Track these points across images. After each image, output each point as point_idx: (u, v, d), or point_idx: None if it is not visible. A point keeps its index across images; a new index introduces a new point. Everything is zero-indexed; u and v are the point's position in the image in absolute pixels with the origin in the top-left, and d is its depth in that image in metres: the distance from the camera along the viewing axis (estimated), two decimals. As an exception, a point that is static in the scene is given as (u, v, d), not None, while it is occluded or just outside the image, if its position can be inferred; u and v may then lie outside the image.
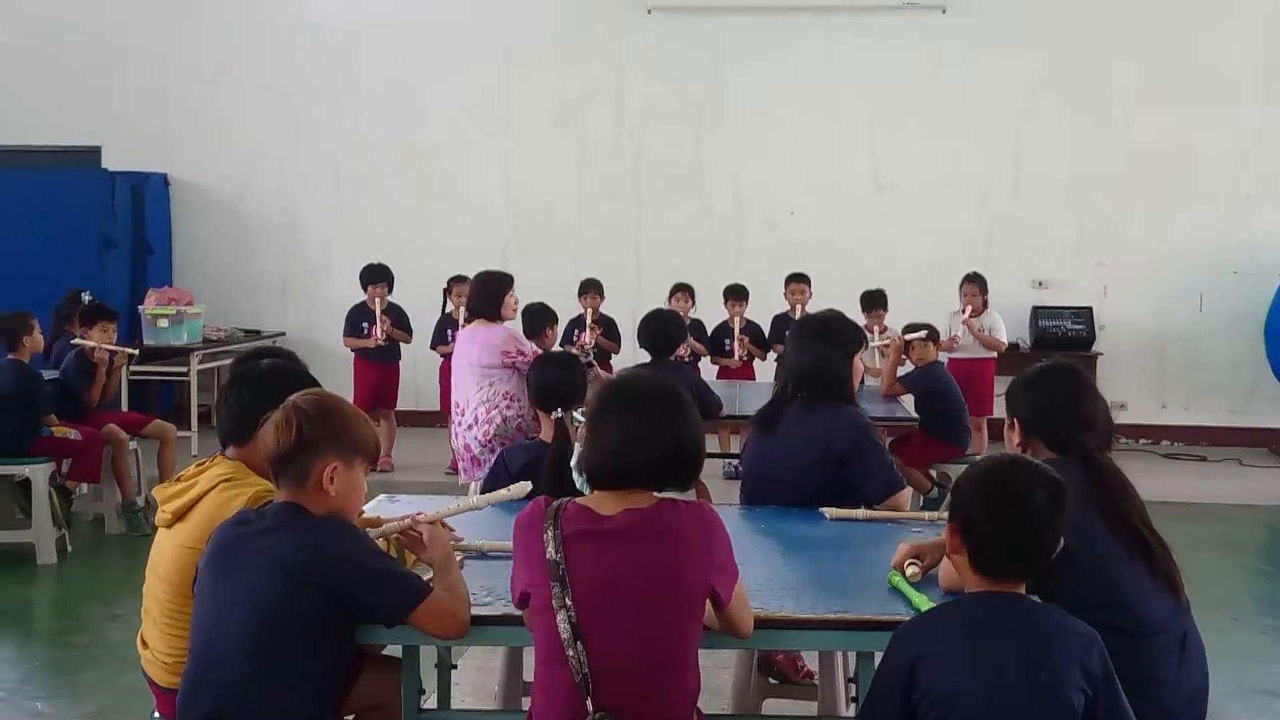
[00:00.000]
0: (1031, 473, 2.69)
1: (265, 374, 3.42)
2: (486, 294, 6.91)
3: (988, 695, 2.50)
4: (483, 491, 4.53)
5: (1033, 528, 2.61)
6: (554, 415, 4.40)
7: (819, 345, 4.36)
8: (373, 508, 3.88)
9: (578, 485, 3.74)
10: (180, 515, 3.25)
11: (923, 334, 7.86)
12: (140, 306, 10.45)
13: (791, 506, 4.13)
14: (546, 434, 4.52)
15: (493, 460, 4.81)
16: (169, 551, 3.24)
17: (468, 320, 9.10)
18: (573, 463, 3.88)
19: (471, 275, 9.40)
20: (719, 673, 4.55)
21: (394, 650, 3.27)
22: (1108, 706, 2.54)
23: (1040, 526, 2.61)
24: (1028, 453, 3.24)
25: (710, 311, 9.80)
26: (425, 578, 3.02)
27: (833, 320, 4.50)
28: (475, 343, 6.72)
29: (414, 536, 3.17)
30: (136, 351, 8.58)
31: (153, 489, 3.46)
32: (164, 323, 10.34)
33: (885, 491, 4.22)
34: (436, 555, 3.08)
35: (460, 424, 6.62)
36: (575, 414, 4.25)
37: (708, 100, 11.39)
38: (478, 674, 4.94)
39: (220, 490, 3.23)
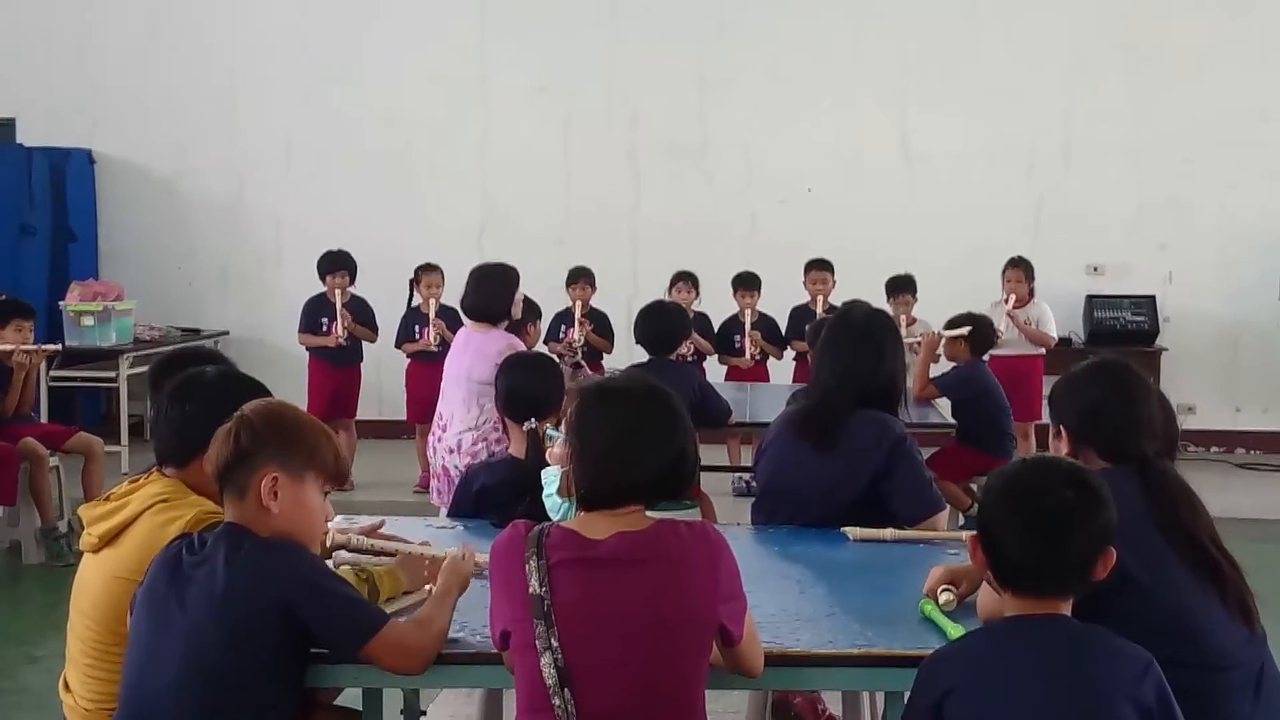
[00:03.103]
0: (1058, 468, 2.72)
1: (212, 383, 3.41)
2: (488, 291, 6.67)
3: None
4: (450, 515, 4.54)
5: (1058, 529, 2.61)
6: (525, 427, 4.40)
7: (872, 348, 4.40)
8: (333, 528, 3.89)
9: (549, 510, 3.75)
10: (109, 539, 3.25)
11: (965, 330, 7.80)
12: (61, 302, 10.44)
13: (810, 526, 4.14)
14: (516, 448, 4.52)
15: None
16: (96, 581, 3.23)
17: (435, 317, 9.20)
18: (545, 483, 3.90)
19: (441, 264, 9.53)
20: (727, 718, 4.55)
21: (352, 698, 3.27)
22: None
23: (1067, 528, 2.61)
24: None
25: (717, 304, 9.80)
26: (398, 607, 3.05)
27: (876, 317, 4.57)
28: (469, 350, 6.54)
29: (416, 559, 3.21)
30: (60, 347, 8.57)
31: (77, 509, 3.46)
32: (89, 320, 10.33)
33: (922, 512, 4.23)
34: (451, 583, 3.10)
35: (440, 440, 6.54)
36: (549, 429, 4.25)
37: (713, 63, 11.39)
38: (450, 722, 4.94)
39: (156, 511, 3.23)
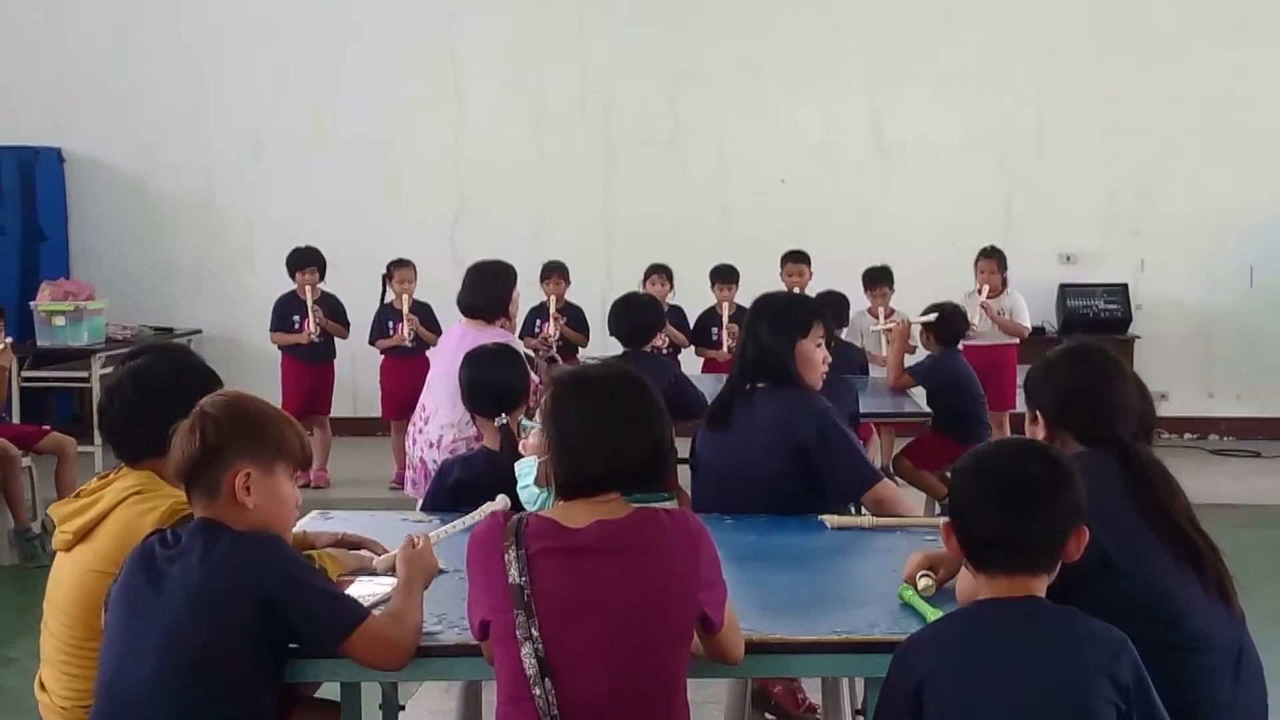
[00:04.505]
0: (1026, 447, 2.78)
1: (149, 373, 3.38)
2: (487, 289, 6.68)
3: (1003, 716, 2.52)
4: (424, 509, 4.53)
5: (1027, 503, 2.63)
6: (497, 422, 4.39)
7: (761, 328, 4.45)
8: (304, 525, 3.87)
9: (525, 502, 3.75)
10: (83, 535, 3.22)
11: (933, 317, 7.83)
12: (32, 302, 10.36)
13: (757, 513, 4.14)
14: (490, 441, 4.51)
15: None
16: (71, 577, 3.21)
17: (409, 312, 9.18)
18: (520, 475, 3.89)
19: (414, 259, 9.51)
20: (708, 708, 4.55)
21: (331, 692, 3.26)
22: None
23: (1036, 502, 2.63)
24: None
25: (692, 297, 9.80)
26: (370, 602, 3.04)
27: (779, 299, 4.69)
28: (464, 346, 6.45)
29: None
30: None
31: (49, 508, 3.44)
32: (60, 320, 10.25)
33: (860, 486, 4.28)
34: (414, 574, 3.07)
35: (421, 432, 6.51)
36: (524, 420, 4.25)
37: (685, 54, 11.38)
38: (430, 717, 4.93)
39: (130, 504, 3.21)
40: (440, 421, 6.38)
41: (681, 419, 5.67)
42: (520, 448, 4.14)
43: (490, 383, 4.51)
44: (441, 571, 3.21)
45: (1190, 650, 2.96)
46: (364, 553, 3.54)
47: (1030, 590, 2.65)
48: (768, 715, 4.91)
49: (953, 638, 2.67)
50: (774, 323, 4.45)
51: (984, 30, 11.15)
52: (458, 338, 6.60)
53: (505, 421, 4.32)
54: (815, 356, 4.43)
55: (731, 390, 4.48)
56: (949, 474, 2.87)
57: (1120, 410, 3.24)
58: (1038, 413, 3.32)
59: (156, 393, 3.19)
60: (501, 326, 6.70)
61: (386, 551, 3.43)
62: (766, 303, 4.60)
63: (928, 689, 2.58)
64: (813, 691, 4.58)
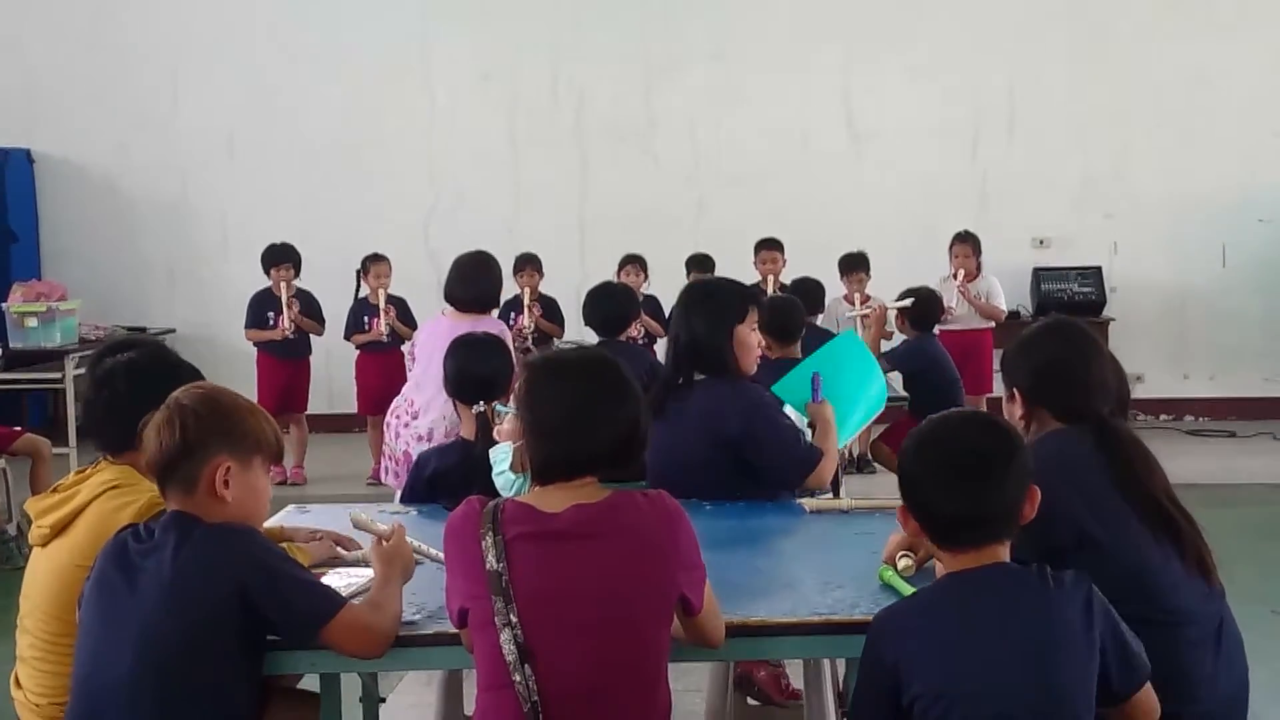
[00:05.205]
0: (965, 416, 2.84)
1: (139, 366, 3.37)
2: (477, 280, 6.80)
3: (988, 680, 2.53)
4: (403, 500, 4.51)
5: (977, 471, 2.64)
6: (475, 409, 4.36)
7: (695, 316, 4.37)
8: (281, 519, 3.85)
9: (501, 489, 3.73)
10: (60, 529, 3.21)
11: (909, 302, 7.86)
12: (3, 304, 10.31)
13: (699, 500, 4.07)
14: (467, 430, 4.48)
15: None
16: (46, 573, 3.20)
17: (385, 306, 9.14)
18: (495, 462, 3.87)
19: (388, 253, 9.47)
20: (689, 696, 4.53)
21: (310, 684, 3.23)
22: (1115, 646, 2.61)
23: (986, 468, 2.64)
24: (1032, 426, 3.25)
25: (667, 286, 9.74)
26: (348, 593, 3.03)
27: (713, 286, 4.56)
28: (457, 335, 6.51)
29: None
30: None
31: (25, 503, 3.41)
32: (32, 321, 10.20)
33: (799, 472, 4.24)
34: (391, 567, 3.04)
35: (408, 425, 6.47)
36: (499, 406, 4.23)
37: (658, 43, 11.37)
38: (410, 710, 4.90)
39: (107, 498, 3.20)
40: (432, 416, 6.36)
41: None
42: (495, 434, 4.12)
43: (476, 371, 4.48)
44: (418, 563, 3.18)
45: (1171, 625, 2.96)
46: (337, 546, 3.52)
47: (997, 557, 2.66)
48: (750, 700, 4.90)
49: (926, 615, 2.66)
50: (709, 310, 4.35)
51: (955, 15, 11.16)
52: (447, 330, 6.56)
53: (483, 409, 4.29)
54: (751, 341, 4.36)
55: (665, 384, 4.38)
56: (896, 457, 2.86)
57: (1099, 386, 3.23)
58: (1014, 390, 3.32)
59: (145, 385, 3.16)
60: (494, 319, 6.76)
61: (361, 549, 3.42)
62: (699, 291, 4.51)
63: (905, 669, 2.58)
64: (795, 678, 4.56)
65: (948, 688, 2.53)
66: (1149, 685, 2.67)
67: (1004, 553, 2.67)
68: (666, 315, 9.55)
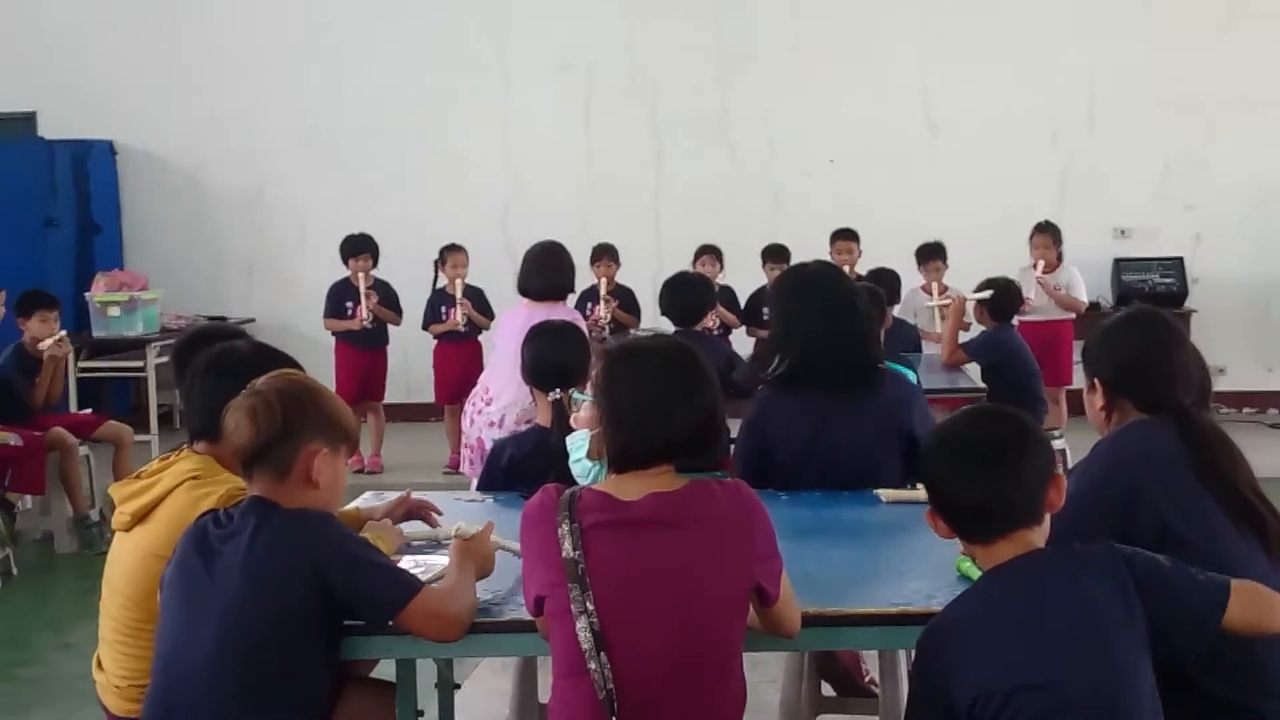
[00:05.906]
0: (979, 411, 2.85)
1: (246, 358, 3.37)
2: (550, 269, 6.81)
3: (1042, 667, 2.49)
4: (479, 489, 4.52)
5: (996, 460, 2.61)
6: (551, 396, 4.36)
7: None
8: (357, 505, 3.88)
9: (577, 476, 3.72)
10: (141, 517, 3.24)
11: (988, 293, 7.79)
12: (87, 293, 10.46)
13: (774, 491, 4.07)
14: (543, 418, 4.49)
15: None
16: (128, 558, 3.23)
17: (461, 297, 9.18)
18: (571, 450, 3.87)
19: (465, 244, 9.52)
20: (764, 687, 4.52)
21: (386, 672, 3.26)
22: (1165, 603, 2.58)
23: (1003, 457, 2.62)
24: (1114, 417, 3.21)
25: (743, 277, 9.77)
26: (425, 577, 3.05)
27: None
28: (534, 323, 6.54)
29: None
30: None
31: (109, 487, 3.45)
32: (115, 311, 10.35)
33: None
34: (467, 559, 3.05)
35: (481, 412, 6.50)
36: (575, 393, 4.23)
37: (733, 34, 11.35)
38: (486, 697, 4.92)
39: (187, 488, 3.22)
40: (504, 402, 6.39)
41: (735, 398, 5.67)
42: (571, 421, 4.11)
43: (553, 358, 4.48)
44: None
45: (1256, 619, 2.91)
46: (417, 526, 3.56)
47: (1029, 544, 2.63)
48: (833, 685, 4.87)
49: (967, 619, 2.63)
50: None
51: (1034, 5, 11.04)
52: (524, 319, 6.58)
53: (559, 396, 4.29)
54: None
55: (866, 362, 4.39)
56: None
57: (1181, 376, 3.19)
58: (1096, 380, 3.27)
59: (245, 375, 3.16)
60: (569, 307, 6.78)
61: (440, 516, 3.52)
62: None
63: (956, 679, 2.54)
64: (873, 668, 4.54)
65: (1003, 684, 2.49)
66: (1233, 590, 2.64)
67: (1036, 538, 2.64)
68: (741, 305, 9.62)
